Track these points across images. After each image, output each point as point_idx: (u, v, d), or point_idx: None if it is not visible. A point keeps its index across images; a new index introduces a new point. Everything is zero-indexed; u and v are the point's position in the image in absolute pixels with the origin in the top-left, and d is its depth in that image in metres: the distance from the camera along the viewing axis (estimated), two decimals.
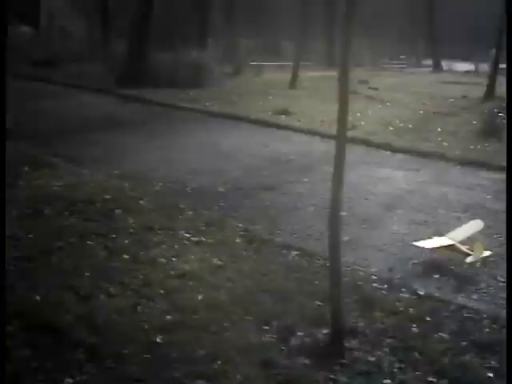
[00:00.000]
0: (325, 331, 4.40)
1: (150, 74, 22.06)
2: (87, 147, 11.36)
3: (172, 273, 5.40)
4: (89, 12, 56.80)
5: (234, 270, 5.57)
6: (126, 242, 6.16)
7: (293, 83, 23.03)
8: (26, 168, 8.99)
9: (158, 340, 4.22)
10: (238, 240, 6.40)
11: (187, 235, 6.45)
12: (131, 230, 6.50)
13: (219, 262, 5.73)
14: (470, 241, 6.30)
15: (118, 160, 10.45)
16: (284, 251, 6.16)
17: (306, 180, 9.48)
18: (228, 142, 12.32)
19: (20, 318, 4.40)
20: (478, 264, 6.07)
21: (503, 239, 6.59)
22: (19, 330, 4.23)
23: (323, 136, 12.92)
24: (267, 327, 4.52)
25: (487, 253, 6.18)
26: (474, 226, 6.75)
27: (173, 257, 5.78)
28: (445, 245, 6.30)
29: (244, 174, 9.79)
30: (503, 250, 6.22)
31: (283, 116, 15.56)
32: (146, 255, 5.78)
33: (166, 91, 20.01)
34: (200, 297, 4.95)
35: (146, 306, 4.75)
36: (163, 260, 5.68)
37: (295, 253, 6.12)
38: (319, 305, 4.90)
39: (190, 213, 7.27)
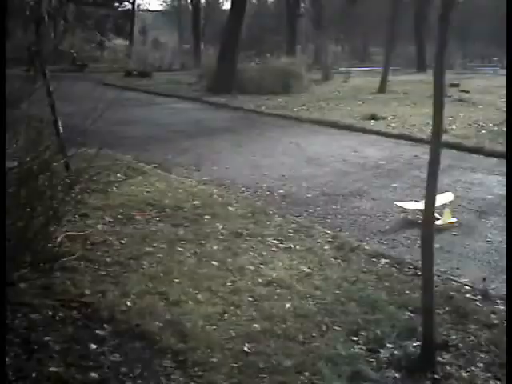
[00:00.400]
0: (416, 343, 4.26)
1: (239, 82, 22.32)
2: (178, 154, 11.54)
3: (260, 280, 5.37)
4: (181, 24, 58.47)
5: (323, 277, 5.49)
6: (215, 248, 6.17)
7: (382, 88, 22.75)
8: (119, 175, 9.21)
9: (245, 349, 4.18)
10: (326, 247, 6.31)
11: (275, 242, 6.42)
12: (220, 236, 6.52)
13: (307, 270, 5.66)
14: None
15: (207, 166, 10.57)
16: (373, 259, 6.02)
17: (395, 185, 9.28)
18: (316, 148, 12.25)
19: (111, 322, 4.48)
20: None
21: None
22: (109, 335, 4.29)
23: (413, 140, 12.76)
24: (356, 338, 4.41)
25: (453, 219, 7.39)
26: (446, 196, 7.87)
27: (261, 264, 5.76)
28: (420, 208, 6.89)
29: (332, 179, 9.69)
30: None
31: (372, 121, 15.37)
32: (235, 262, 5.77)
33: (254, 98, 20.17)
34: (288, 305, 4.89)
35: (234, 313, 4.73)
36: (251, 267, 5.66)
37: (385, 261, 5.98)
38: (410, 316, 4.76)
39: (279, 219, 7.24)
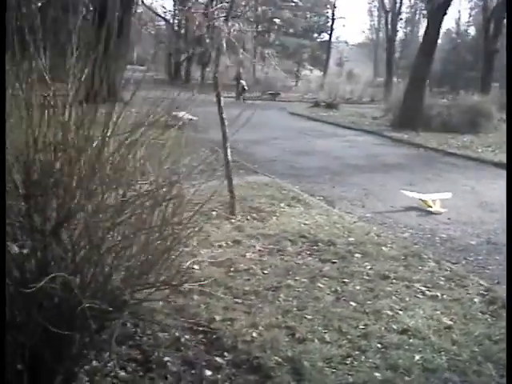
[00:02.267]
0: None
1: (425, 118, 21.83)
2: (346, 187, 11.49)
3: (394, 327, 5.12)
4: (377, 57, 58.56)
5: (463, 332, 5.12)
6: (357, 288, 6.01)
7: None
8: (282, 204, 9.31)
9: None
10: (476, 299, 5.90)
11: (422, 288, 6.12)
12: (365, 277, 6.34)
13: (449, 322, 5.31)
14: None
15: (373, 202, 10.39)
16: None
17: None
18: (492, 192, 11.57)
19: (232, 351, 4.49)
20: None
21: None
22: (226, 364, 4.31)
23: None
24: None
25: (443, 209, 9.88)
26: (444, 194, 10.39)
27: (400, 310, 5.50)
28: (423, 198, 10.16)
29: (502, 227, 9.07)
30: None
31: None
32: (373, 305, 5.57)
33: (438, 135, 19.66)
34: (417, 357, 4.62)
35: (358, 358, 4.55)
36: (389, 312, 5.42)
37: None
38: None
39: (432, 264, 6.91)
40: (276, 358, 4.44)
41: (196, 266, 5.96)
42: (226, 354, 4.46)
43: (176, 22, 49.34)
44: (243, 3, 7.92)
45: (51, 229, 3.38)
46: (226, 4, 8.86)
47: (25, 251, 3.39)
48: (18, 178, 3.36)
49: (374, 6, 57.88)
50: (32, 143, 3.51)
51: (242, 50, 8.98)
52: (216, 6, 8.59)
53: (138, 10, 45.09)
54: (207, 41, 8.15)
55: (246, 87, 32.18)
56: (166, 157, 4.38)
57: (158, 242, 4.01)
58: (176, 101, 4.09)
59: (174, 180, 4.08)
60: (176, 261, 4.21)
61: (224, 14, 8.23)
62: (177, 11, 47.60)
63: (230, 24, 8.51)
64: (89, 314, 3.22)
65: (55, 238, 3.47)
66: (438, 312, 5.52)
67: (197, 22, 7.57)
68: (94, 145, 3.75)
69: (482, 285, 6.36)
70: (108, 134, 3.76)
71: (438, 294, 5.98)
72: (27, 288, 3.07)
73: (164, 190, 4.02)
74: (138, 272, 3.88)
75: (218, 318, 5.02)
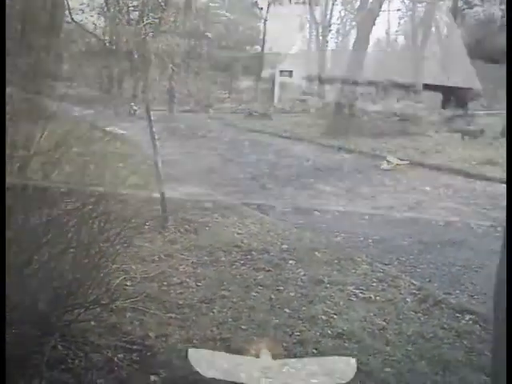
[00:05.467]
0: None
1: (358, 125, 22.13)
2: (277, 196, 11.49)
3: (329, 332, 5.15)
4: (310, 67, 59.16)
5: (397, 332, 5.19)
6: (292, 295, 6.02)
7: None
8: (216, 215, 9.25)
9: None
10: (408, 299, 5.99)
11: (356, 291, 6.18)
12: (299, 283, 6.36)
13: (382, 323, 5.38)
14: None
15: (310, 209, 10.42)
16: (457, 314, 5.64)
17: (499, 234, 8.71)
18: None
19: (167, 368, 4.42)
20: None
21: None
22: (161, 382, 4.24)
23: None
24: None
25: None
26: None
27: (335, 314, 5.53)
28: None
29: (432, 227, 9.27)
30: None
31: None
32: (308, 311, 5.59)
33: (370, 141, 19.90)
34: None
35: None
36: (324, 317, 5.45)
37: (470, 317, 5.58)
38: (485, 380, 4.38)
39: (365, 267, 6.98)
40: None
41: (128, 283, 5.90)
42: (161, 371, 4.38)
43: (107, 38, 48.81)
44: (172, 19, 7.82)
45: None
46: (156, 20, 8.80)
47: None
48: None
49: (306, 17, 58.42)
50: None
51: (171, 65, 8.86)
52: (145, 21, 8.48)
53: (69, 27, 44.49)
54: (135, 56, 8.02)
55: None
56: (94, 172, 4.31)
57: (86, 261, 3.93)
58: (106, 116, 4.02)
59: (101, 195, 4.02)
60: (105, 279, 4.14)
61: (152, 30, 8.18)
62: (107, 28, 47.04)
63: (158, 39, 8.46)
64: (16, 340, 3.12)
65: None
66: (372, 314, 5.60)
67: (125, 39, 7.48)
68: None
69: (414, 284, 6.46)
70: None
71: (371, 296, 6.06)
72: None
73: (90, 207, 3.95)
74: (66, 293, 3.79)
75: (151, 334, 4.94)
